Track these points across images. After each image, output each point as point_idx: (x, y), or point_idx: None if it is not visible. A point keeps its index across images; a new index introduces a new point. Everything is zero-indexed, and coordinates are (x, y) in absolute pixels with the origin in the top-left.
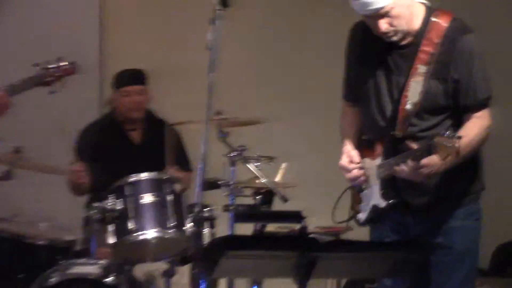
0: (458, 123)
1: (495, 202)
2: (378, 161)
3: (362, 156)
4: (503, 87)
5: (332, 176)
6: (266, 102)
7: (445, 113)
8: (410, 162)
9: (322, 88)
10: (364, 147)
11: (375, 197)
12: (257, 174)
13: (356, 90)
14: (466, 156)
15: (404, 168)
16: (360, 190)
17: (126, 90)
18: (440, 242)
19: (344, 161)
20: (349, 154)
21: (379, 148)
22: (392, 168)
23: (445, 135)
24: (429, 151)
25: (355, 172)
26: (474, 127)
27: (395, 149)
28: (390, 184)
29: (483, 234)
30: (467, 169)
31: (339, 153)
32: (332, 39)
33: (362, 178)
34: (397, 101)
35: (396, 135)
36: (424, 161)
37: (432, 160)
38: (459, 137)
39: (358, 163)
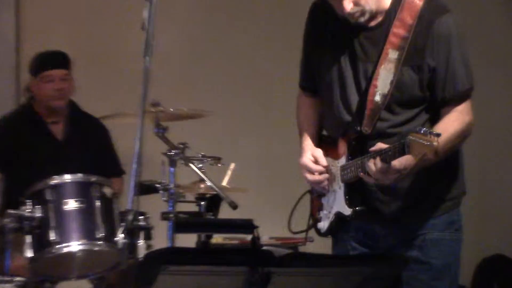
0: (435, 118)
1: (478, 209)
2: (342, 161)
3: (323, 154)
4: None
5: (288, 179)
6: (212, 92)
7: (420, 106)
8: (379, 163)
9: (278, 77)
10: (325, 145)
11: (338, 203)
12: (201, 176)
13: (316, 78)
14: (444, 155)
15: (372, 169)
16: (321, 195)
17: (47, 75)
18: (414, 256)
19: (306, 159)
20: (314, 152)
21: (343, 147)
22: (358, 170)
23: (421, 132)
24: (402, 150)
25: (319, 177)
26: (454, 122)
27: (361, 147)
28: (357, 188)
29: (465, 247)
30: (445, 171)
31: (296, 152)
32: (285, 21)
33: (326, 183)
34: (364, 92)
35: (363, 131)
36: (396, 162)
37: (405, 161)
38: (438, 134)
39: (325, 166)
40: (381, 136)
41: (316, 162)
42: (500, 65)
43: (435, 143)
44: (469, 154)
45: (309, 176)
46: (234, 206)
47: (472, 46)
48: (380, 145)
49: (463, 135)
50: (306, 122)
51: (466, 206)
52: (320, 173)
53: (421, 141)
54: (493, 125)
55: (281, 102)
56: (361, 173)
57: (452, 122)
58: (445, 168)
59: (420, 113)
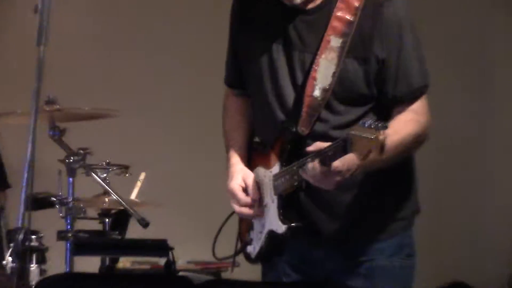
0: (386, 119)
1: (432, 230)
2: (275, 169)
3: (254, 164)
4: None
5: (213, 193)
6: (118, 89)
7: (367, 104)
8: (318, 166)
9: (203, 72)
10: (257, 153)
11: (271, 220)
12: (105, 188)
13: (244, 72)
14: (394, 160)
15: (311, 173)
16: None
17: None
18: (359, 286)
19: (235, 186)
20: (245, 178)
21: (276, 152)
22: (294, 177)
23: (365, 125)
24: (343, 148)
25: (248, 211)
26: (408, 122)
27: (298, 152)
28: (292, 202)
29: (418, 274)
30: (396, 184)
31: (221, 159)
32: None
33: (257, 212)
34: (301, 86)
35: (299, 132)
36: (337, 162)
37: (348, 161)
38: (384, 127)
39: (255, 198)
40: (322, 139)
41: (244, 188)
42: (460, 65)
43: (381, 137)
44: (423, 166)
45: (237, 208)
46: (144, 224)
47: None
48: (319, 145)
49: (417, 139)
50: (235, 131)
51: (419, 227)
52: (250, 206)
53: (365, 135)
54: (452, 132)
55: (204, 101)
56: (299, 174)
57: (405, 123)
58: (395, 181)
59: (367, 113)
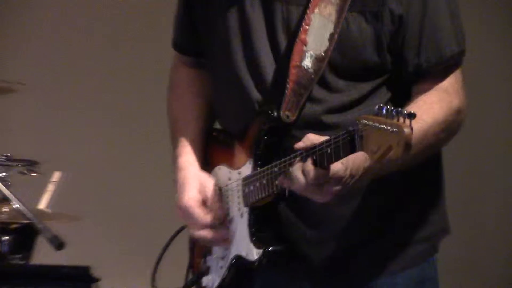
0: (402, 100)
1: (463, 256)
2: (245, 170)
3: (214, 161)
4: None
5: (150, 202)
6: (25, 58)
7: (377, 79)
8: (310, 168)
9: (141, 38)
10: (218, 145)
11: (239, 242)
12: (3, 194)
13: (202, 32)
14: (415, 160)
15: (299, 179)
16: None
17: None
18: None
19: (189, 201)
20: (204, 186)
21: (247, 146)
22: (274, 183)
23: (383, 112)
24: (349, 144)
25: (209, 234)
26: (435, 106)
27: (279, 146)
28: (269, 217)
29: None
30: (416, 190)
31: (164, 158)
32: None
33: (223, 235)
34: (285, 53)
35: (282, 118)
36: (338, 165)
37: (354, 162)
38: (411, 115)
39: (221, 215)
40: (314, 127)
41: (203, 202)
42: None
43: (406, 130)
44: (452, 167)
45: (195, 231)
46: (58, 244)
47: None
48: (311, 138)
49: (448, 129)
50: (186, 116)
51: (446, 253)
52: (212, 226)
53: (383, 126)
54: (491, 122)
55: (146, 87)
56: (281, 180)
57: (431, 106)
58: (414, 188)
59: (377, 91)
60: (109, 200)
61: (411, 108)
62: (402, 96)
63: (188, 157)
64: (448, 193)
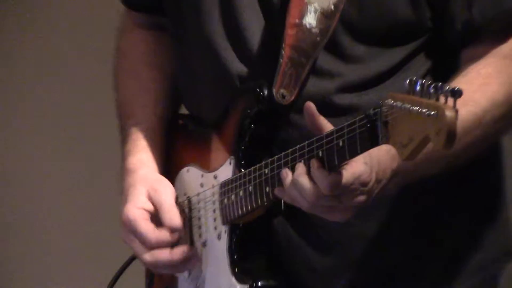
0: (445, 70)
1: None
2: (224, 172)
3: (180, 160)
4: None
5: (91, 218)
6: None
7: (411, 42)
8: (317, 171)
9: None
10: (186, 137)
11: (215, 274)
12: None
13: None
14: (463, 157)
15: (303, 186)
16: None
17: None
18: None
19: (134, 212)
20: (152, 188)
21: (226, 140)
22: (266, 188)
23: (417, 87)
24: (371, 133)
25: (167, 256)
26: (493, 79)
27: (270, 139)
28: (258, 239)
29: None
30: (467, 198)
31: (109, 159)
32: None
33: (187, 258)
34: (279, 7)
35: (277, 98)
36: (360, 166)
37: (378, 160)
38: (456, 92)
39: (177, 223)
40: (322, 111)
41: (158, 216)
42: None
43: (449, 114)
44: None
45: (144, 254)
46: None
47: None
48: (320, 123)
49: (510, 114)
50: (140, 97)
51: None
52: (171, 246)
53: (415, 109)
54: None
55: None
56: (275, 193)
57: (486, 81)
58: (465, 195)
59: (411, 61)
60: (41, 206)
61: (459, 82)
62: (445, 67)
63: (140, 156)
64: None
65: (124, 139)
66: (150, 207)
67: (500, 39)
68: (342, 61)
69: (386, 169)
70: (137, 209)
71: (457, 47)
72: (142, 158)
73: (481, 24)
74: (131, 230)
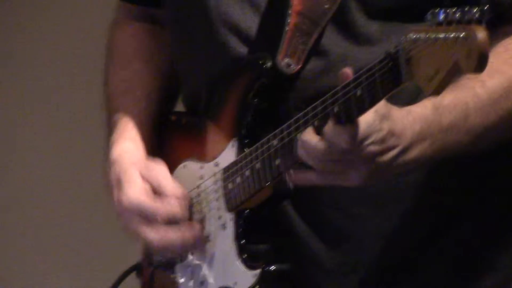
0: None
1: None
2: (226, 157)
3: (176, 159)
4: None
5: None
6: None
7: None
8: (332, 126)
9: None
10: (181, 135)
11: (222, 267)
12: None
13: None
14: (492, 136)
15: (310, 143)
16: (172, 262)
17: None
18: None
19: (134, 192)
20: (145, 168)
21: (226, 123)
22: (270, 164)
23: (439, 18)
24: (393, 74)
25: (177, 233)
26: None
27: (275, 116)
28: (266, 225)
29: None
30: (493, 193)
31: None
32: None
33: (198, 234)
34: None
35: (280, 69)
36: (367, 115)
37: (394, 114)
38: (484, 12)
39: (183, 197)
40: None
41: (160, 196)
42: None
43: (479, 32)
44: None
45: (151, 232)
46: None
47: None
48: (347, 73)
49: None
50: (135, 88)
51: None
52: (179, 217)
53: (441, 36)
54: None
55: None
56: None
57: None
58: (491, 191)
59: None
60: (42, 204)
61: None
62: None
63: (127, 144)
64: None
65: (110, 131)
66: (147, 186)
67: None
68: (353, 42)
69: (406, 129)
70: (137, 191)
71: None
72: (129, 146)
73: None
74: (136, 212)
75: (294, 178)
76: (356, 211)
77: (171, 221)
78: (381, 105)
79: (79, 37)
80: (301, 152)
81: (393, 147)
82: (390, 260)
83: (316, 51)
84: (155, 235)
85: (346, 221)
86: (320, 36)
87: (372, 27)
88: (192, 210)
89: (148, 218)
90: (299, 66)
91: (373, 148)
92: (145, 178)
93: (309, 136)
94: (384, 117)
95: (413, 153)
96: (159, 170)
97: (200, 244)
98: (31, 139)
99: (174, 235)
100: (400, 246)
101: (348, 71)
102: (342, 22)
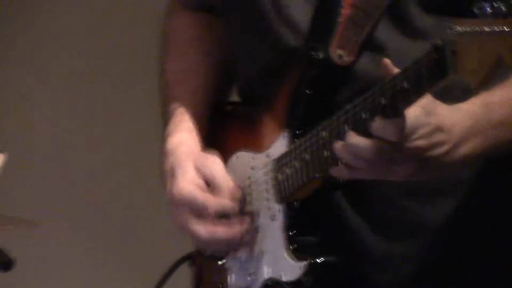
0: None
1: None
2: (276, 149)
3: (230, 150)
4: None
5: (142, 202)
6: None
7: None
8: (379, 121)
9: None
10: (235, 125)
11: (271, 258)
12: None
13: None
14: None
15: (360, 146)
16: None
17: None
18: None
19: (186, 186)
20: (200, 161)
21: (278, 114)
22: (322, 153)
23: (486, 11)
24: (439, 67)
25: (227, 230)
26: None
27: (328, 107)
28: (316, 218)
29: None
30: None
31: (147, 149)
32: None
33: (248, 228)
34: None
35: (332, 60)
36: (413, 109)
37: (441, 108)
38: None
39: (236, 192)
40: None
41: (212, 189)
42: None
43: None
44: None
45: (200, 227)
46: (6, 263)
47: None
48: (389, 66)
49: None
50: (192, 79)
51: None
52: (230, 215)
53: (486, 30)
54: None
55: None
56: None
57: None
58: None
59: None
60: (82, 201)
61: None
62: None
63: (182, 135)
64: None
65: (166, 121)
66: (201, 180)
67: None
68: (406, 36)
69: (455, 125)
70: (189, 183)
71: None
72: (184, 137)
73: None
74: (186, 204)
75: (343, 172)
76: (406, 204)
77: (221, 215)
78: (428, 101)
79: (79, 37)
80: (349, 158)
81: (442, 143)
82: (441, 254)
83: (371, 44)
84: (203, 229)
85: (397, 214)
86: (374, 28)
87: (427, 21)
88: (246, 201)
89: (198, 211)
90: (352, 58)
91: (420, 142)
92: (199, 170)
93: (355, 139)
94: (430, 113)
95: (464, 149)
96: (214, 162)
97: (248, 238)
98: (42, 138)
99: (222, 231)
100: (451, 241)
101: (387, 61)
102: (396, 15)
